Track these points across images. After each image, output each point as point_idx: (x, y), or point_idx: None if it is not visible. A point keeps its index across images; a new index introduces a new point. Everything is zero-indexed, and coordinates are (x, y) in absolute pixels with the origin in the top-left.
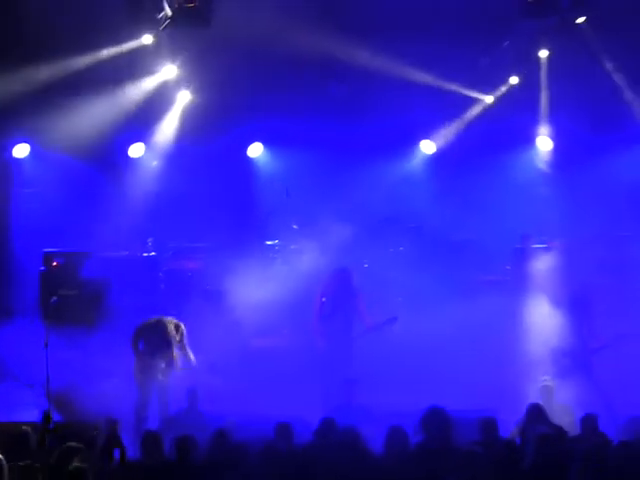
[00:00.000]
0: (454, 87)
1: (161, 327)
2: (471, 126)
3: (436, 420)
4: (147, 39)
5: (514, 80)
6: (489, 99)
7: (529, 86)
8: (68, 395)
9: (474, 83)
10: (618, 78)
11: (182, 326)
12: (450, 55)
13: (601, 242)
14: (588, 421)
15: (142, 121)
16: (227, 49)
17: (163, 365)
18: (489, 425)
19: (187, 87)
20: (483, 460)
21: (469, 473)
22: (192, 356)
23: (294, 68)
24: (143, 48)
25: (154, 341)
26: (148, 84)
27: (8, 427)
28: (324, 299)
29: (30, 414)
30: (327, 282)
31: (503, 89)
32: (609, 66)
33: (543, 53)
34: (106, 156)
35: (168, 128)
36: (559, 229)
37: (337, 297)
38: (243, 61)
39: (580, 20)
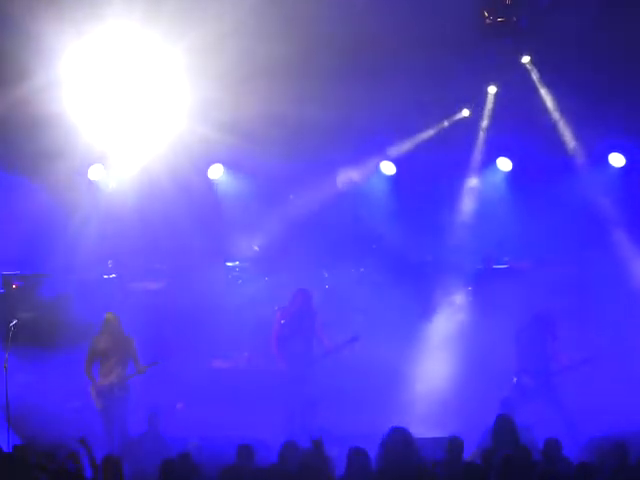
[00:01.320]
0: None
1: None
2: (431, 147)
3: (398, 441)
4: None
5: (465, 112)
6: (443, 124)
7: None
8: (28, 418)
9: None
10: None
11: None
12: (406, 78)
13: (562, 263)
14: (551, 445)
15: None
16: None
17: (119, 371)
18: (455, 445)
19: None
20: None
21: None
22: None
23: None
24: None
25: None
26: None
27: None
28: (283, 321)
29: None
30: (287, 304)
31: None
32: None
33: (492, 89)
34: (65, 178)
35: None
36: (520, 250)
37: (296, 319)
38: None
39: (525, 59)
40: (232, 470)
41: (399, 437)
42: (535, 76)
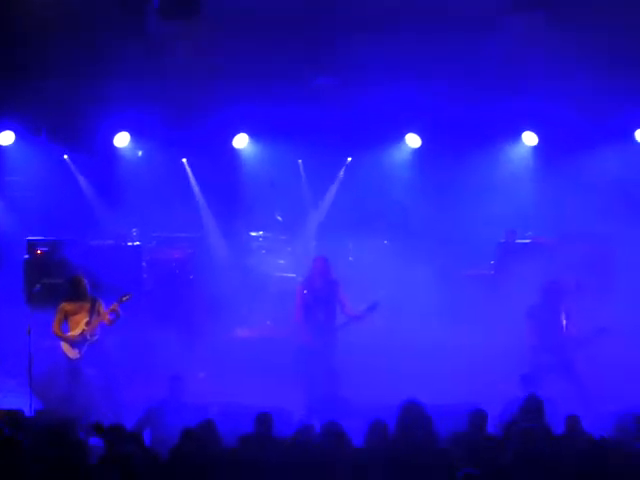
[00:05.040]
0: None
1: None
2: (457, 120)
3: (412, 414)
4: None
5: None
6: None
7: (515, 80)
8: (49, 383)
9: (460, 76)
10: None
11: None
12: (435, 49)
13: (586, 238)
14: (571, 422)
15: (127, 109)
16: (215, 37)
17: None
18: (478, 417)
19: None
20: (461, 454)
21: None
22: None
23: (283, 57)
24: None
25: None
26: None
27: None
28: (305, 291)
29: (11, 401)
30: (308, 274)
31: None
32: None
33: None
34: (91, 144)
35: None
36: (545, 224)
37: (317, 288)
38: (231, 49)
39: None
40: (251, 439)
41: (413, 410)
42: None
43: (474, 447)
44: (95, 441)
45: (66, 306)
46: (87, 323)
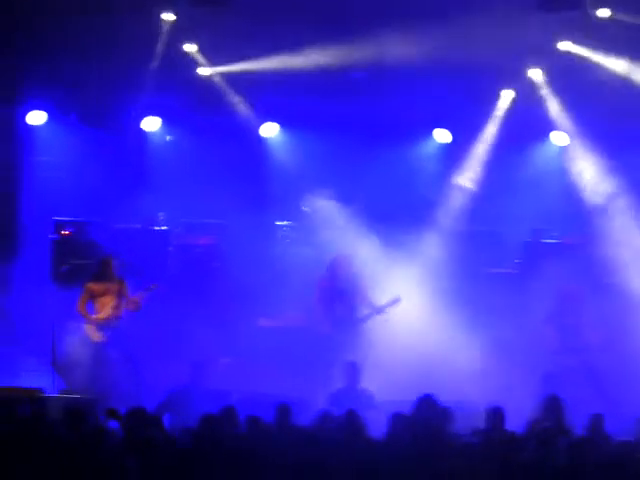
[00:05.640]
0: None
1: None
2: (489, 118)
3: (427, 409)
4: (168, 16)
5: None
6: (509, 93)
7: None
8: (73, 363)
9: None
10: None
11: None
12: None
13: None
14: (595, 422)
15: (158, 93)
16: (246, 26)
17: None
18: (495, 415)
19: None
20: (480, 449)
21: (465, 462)
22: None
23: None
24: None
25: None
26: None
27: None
28: (327, 284)
29: (34, 380)
30: (329, 268)
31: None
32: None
33: (563, 45)
34: (122, 127)
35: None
36: (571, 225)
37: (339, 284)
38: (262, 39)
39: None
40: (269, 428)
41: (427, 406)
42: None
43: (493, 444)
44: (115, 424)
45: (93, 286)
46: (114, 307)
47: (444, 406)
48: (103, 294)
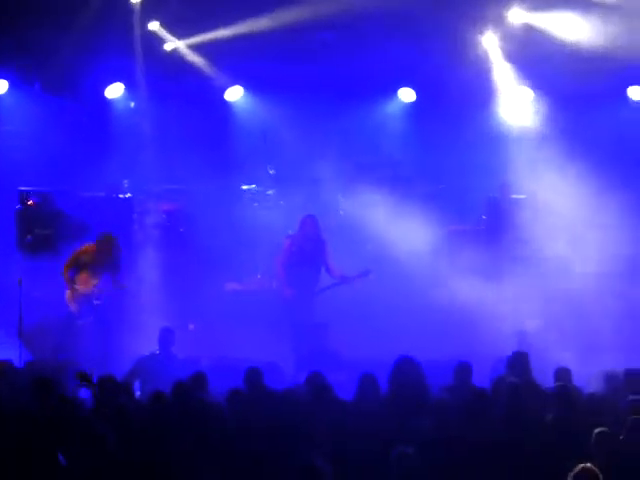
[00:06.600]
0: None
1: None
2: (452, 75)
3: (406, 369)
4: None
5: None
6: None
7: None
8: (40, 333)
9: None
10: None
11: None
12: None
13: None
14: (562, 374)
15: (121, 61)
16: None
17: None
18: (463, 370)
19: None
20: (453, 407)
21: (440, 419)
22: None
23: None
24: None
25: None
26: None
27: None
28: (291, 247)
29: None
30: (296, 230)
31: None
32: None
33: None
34: (85, 95)
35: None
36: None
37: (303, 246)
38: (227, 5)
39: None
40: (240, 393)
41: (407, 366)
42: None
43: (462, 401)
44: (86, 393)
45: (84, 257)
46: (96, 285)
47: (421, 367)
48: (92, 269)
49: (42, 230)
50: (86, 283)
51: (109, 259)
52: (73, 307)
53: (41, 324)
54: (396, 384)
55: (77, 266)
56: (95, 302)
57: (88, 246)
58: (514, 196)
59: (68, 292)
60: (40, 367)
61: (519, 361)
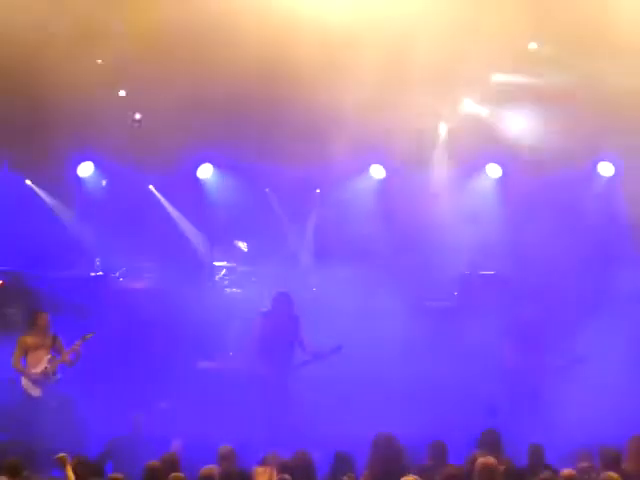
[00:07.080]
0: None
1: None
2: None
3: (385, 446)
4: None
5: None
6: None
7: None
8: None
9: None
10: None
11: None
12: None
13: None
14: (535, 451)
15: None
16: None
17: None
18: (438, 449)
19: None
20: None
21: None
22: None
23: None
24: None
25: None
26: None
27: None
28: (264, 324)
29: None
30: (269, 308)
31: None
32: None
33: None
34: (54, 173)
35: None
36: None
37: (277, 323)
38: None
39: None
40: (212, 472)
41: (386, 442)
42: None
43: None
44: (57, 473)
45: (27, 340)
46: (49, 360)
47: (400, 444)
48: (37, 348)
49: (10, 310)
50: (37, 364)
51: (49, 336)
52: (35, 392)
53: (8, 406)
54: (375, 461)
55: (24, 353)
56: (53, 377)
57: (25, 332)
58: (483, 272)
59: (24, 380)
60: (9, 449)
61: (491, 439)
